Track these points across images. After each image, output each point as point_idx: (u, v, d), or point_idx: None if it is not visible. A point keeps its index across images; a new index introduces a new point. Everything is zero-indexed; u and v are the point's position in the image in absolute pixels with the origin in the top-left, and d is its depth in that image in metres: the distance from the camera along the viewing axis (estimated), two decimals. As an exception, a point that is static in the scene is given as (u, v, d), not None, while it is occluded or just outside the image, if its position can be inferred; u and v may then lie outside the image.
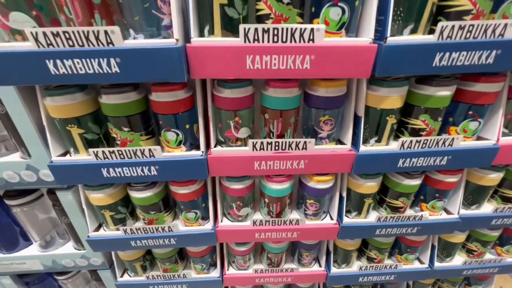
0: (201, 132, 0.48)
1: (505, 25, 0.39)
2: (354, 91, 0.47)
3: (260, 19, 0.40)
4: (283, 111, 0.47)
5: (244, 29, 0.37)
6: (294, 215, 0.62)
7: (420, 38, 0.40)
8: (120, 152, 0.47)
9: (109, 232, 0.58)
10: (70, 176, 0.49)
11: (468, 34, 0.39)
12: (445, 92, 0.44)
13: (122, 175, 0.49)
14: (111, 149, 0.46)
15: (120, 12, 0.38)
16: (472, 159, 0.49)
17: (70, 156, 0.49)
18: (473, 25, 0.38)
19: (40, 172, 0.51)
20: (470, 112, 0.48)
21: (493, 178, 0.55)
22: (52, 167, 0.47)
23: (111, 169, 0.48)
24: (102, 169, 0.48)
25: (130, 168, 0.48)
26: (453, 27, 0.38)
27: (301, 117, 0.52)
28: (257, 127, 0.56)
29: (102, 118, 0.47)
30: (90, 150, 0.46)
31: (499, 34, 0.39)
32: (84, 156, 0.48)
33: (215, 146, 0.51)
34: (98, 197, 0.53)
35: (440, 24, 0.38)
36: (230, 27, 0.39)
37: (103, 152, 0.46)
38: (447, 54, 0.40)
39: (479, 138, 0.51)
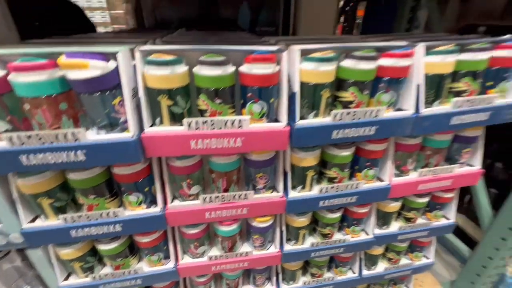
0: (158, 192, 0.58)
1: (378, 110, 0.55)
2: (281, 152, 0.61)
3: (201, 112, 0.52)
4: (227, 172, 0.59)
5: (188, 121, 0.49)
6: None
7: (320, 121, 0.54)
8: (87, 216, 0.55)
9: (48, 222, 0.55)
10: (41, 239, 0.56)
11: (354, 116, 0.55)
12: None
13: (90, 233, 0.57)
14: (79, 214, 0.54)
15: (85, 113, 0.47)
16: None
17: (40, 221, 0.55)
18: (356, 111, 0.54)
19: (11, 235, 0.57)
20: (368, 163, 0.65)
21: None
22: (24, 233, 0.54)
23: (79, 230, 0.56)
24: (71, 231, 0.55)
25: (97, 227, 0.56)
26: (342, 113, 0.54)
27: (242, 174, 0.64)
28: (206, 183, 0.66)
29: (69, 188, 0.55)
30: (60, 216, 0.54)
31: (375, 115, 0.56)
32: (53, 222, 0.55)
33: (172, 202, 0.61)
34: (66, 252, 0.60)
35: (333, 112, 0.53)
36: (176, 119, 0.50)
37: (71, 217, 0.54)
38: (341, 130, 0.55)
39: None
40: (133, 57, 0.47)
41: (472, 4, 1.50)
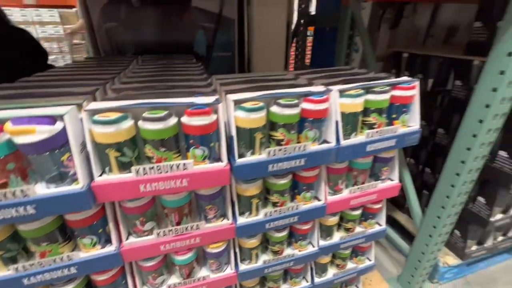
0: (113, 232, 0.62)
1: (305, 145, 0.66)
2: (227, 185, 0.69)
3: (148, 158, 0.58)
4: (178, 207, 0.65)
5: (135, 169, 0.54)
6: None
7: (256, 158, 0.63)
8: (40, 263, 0.57)
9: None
10: (-9, 291, 0.56)
11: (285, 152, 0.65)
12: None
13: (44, 279, 0.59)
14: (31, 262, 0.56)
15: (33, 169, 0.50)
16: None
17: (-11, 272, 0.56)
18: (286, 148, 0.64)
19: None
20: (305, 187, 0.76)
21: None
22: (-29, 288, 0.54)
23: (32, 277, 0.57)
24: (23, 279, 0.57)
25: (51, 272, 0.58)
26: (275, 150, 0.63)
27: (194, 206, 0.71)
28: (160, 217, 0.71)
29: (19, 237, 0.56)
30: (11, 266, 0.55)
31: (303, 149, 0.66)
32: (4, 272, 0.56)
33: (127, 239, 0.65)
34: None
35: (267, 150, 0.63)
36: (125, 167, 0.56)
37: (23, 266, 0.56)
38: (276, 164, 0.65)
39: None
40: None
41: (398, 33, 1.75)
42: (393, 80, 0.74)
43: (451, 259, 1.35)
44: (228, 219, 0.71)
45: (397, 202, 1.68)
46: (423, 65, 1.41)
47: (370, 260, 1.05)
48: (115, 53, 1.56)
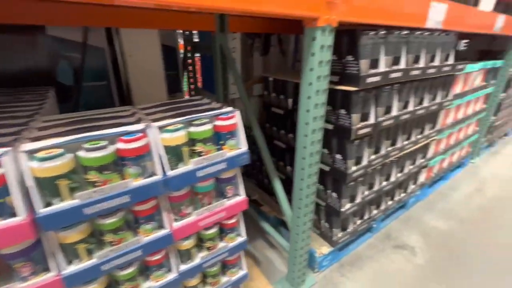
0: None
1: (126, 182, 0.68)
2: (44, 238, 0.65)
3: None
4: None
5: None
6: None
7: (68, 203, 0.63)
8: None
9: None
10: None
11: (102, 192, 0.66)
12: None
13: None
14: None
15: None
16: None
17: None
18: (103, 189, 0.65)
19: None
20: (142, 220, 0.78)
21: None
22: None
23: None
24: None
25: None
26: (89, 192, 0.64)
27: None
28: None
29: None
30: None
31: (125, 187, 0.69)
32: None
33: None
34: None
35: (78, 194, 0.62)
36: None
37: None
38: (93, 206, 0.65)
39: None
40: None
41: (270, 59, 2.02)
42: (211, 112, 0.85)
43: (325, 248, 1.59)
44: (51, 272, 0.67)
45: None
46: (283, 88, 1.66)
47: (242, 270, 1.14)
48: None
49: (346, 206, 1.49)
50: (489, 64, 2.25)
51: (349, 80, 1.18)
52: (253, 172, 2.28)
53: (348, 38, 1.14)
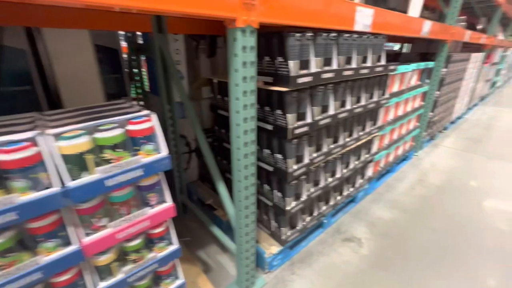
0: None
1: (11, 197, 0.61)
2: None
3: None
4: None
5: None
6: None
7: None
8: None
9: None
10: None
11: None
12: None
13: None
14: None
15: None
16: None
17: None
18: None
19: None
20: (40, 238, 0.71)
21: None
22: None
23: None
24: None
25: None
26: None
27: None
28: None
29: None
30: None
31: (9, 202, 0.61)
32: None
33: None
34: None
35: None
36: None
37: None
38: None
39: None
40: None
41: (218, 61, 2.00)
42: (120, 117, 0.80)
43: (275, 248, 1.59)
44: None
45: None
46: (228, 89, 1.64)
47: (179, 280, 1.09)
48: None
49: (292, 205, 1.51)
50: (422, 65, 2.46)
51: (282, 81, 1.21)
52: (208, 177, 2.24)
53: (277, 39, 1.16)
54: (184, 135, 2.18)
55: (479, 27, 4.28)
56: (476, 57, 3.95)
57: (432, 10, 4.17)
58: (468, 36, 3.13)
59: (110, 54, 2.04)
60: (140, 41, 2.11)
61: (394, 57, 3.88)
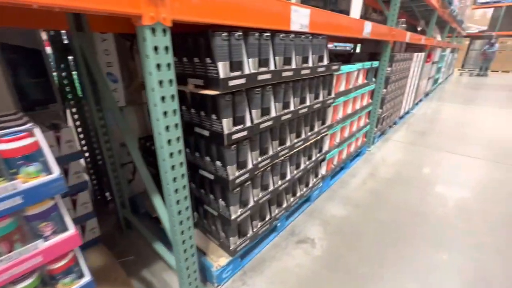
0: None
1: None
2: None
3: None
4: None
5: None
6: None
7: None
8: None
9: None
10: None
11: None
12: None
13: None
14: None
15: None
16: None
17: None
18: None
19: None
20: None
21: None
22: None
23: None
24: None
25: None
26: None
27: None
28: None
29: None
30: None
31: None
32: None
33: None
34: None
35: None
36: None
37: None
38: None
39: None
40: None
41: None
42: None
43: (224, 260, 1.51)
44: None
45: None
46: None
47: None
48: None
49: (237, 213, 1.43)
50: (367, 64, 2.56)
51: (212, 84, 1.12)
52: (159, 186, 2.07)
53: (203, 39, 1.08)
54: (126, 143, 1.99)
55: (419, 28, 4.64)
56: (418, 57, 4.27)
57: (380, 13, 4.42)
58: (408, 37, 3.35)
59: (31, 56, 1.78)
60: (66, 41, 1.88)
61: (348, 57, 4.03)
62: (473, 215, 2.12)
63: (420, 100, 6.07)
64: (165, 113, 0.92)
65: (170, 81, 0.91)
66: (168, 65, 0.89)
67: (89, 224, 1.55)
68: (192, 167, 1.50)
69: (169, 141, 0.96)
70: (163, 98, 0.91)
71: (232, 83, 1.12)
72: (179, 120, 0.98)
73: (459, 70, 13.31)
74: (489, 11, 11.87)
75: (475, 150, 3.35)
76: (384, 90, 3.20)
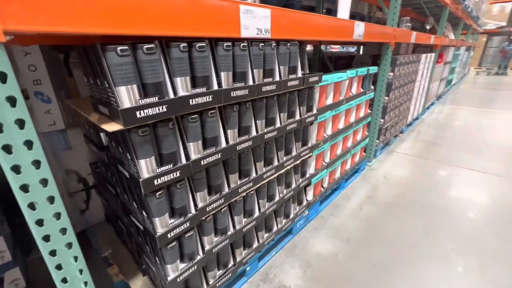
0: None
1: None
2: None
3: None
4: None
5: None
6: None
7: None
8: None
9: None
10: None
11: None
12: None
13: None
14: None
15: None
16: None
17: None
18: None
19: None
20: None
21: None
22: None
23: None
24: None
25: None
26: None
27: None
28: None
29: None
30: None
31: None
32: None
33: None
34: None
35: None
36: None
37: None
38: None
39: None
40: None
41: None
42: None
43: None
44: None
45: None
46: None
47: None
48: None
49: (178, 271, 1.12)
50: (363, 71, 2.19)
51: (114, 116, 0.82)
52: (113, 218, 1.80)
53: (94, 56, 0.77)
54: (74, 169, 1.73)
55: (428, 27, 4.19)
56: (427, 58, 3.84)
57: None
58: (414, 37, 2.94)
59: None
60: None
61: (349, 60, 3.65)
62: (494, 260, 1.71)
63: (432, 104, 5.57)
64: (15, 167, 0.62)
65: (20, 122, 0.61)
66: (10, 99, 0.59)
67: (8, 276, 1.28)
68: (125, 210, 1.21)
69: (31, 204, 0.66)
70: (5, 148, 0.61)
71: (142, 114, 0.81)
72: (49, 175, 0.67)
73: (475, 68, 12.53)
74: (508, 6, 11.07)
75: (495, 165, 2.90)
76: (386, 98, 2.81)
